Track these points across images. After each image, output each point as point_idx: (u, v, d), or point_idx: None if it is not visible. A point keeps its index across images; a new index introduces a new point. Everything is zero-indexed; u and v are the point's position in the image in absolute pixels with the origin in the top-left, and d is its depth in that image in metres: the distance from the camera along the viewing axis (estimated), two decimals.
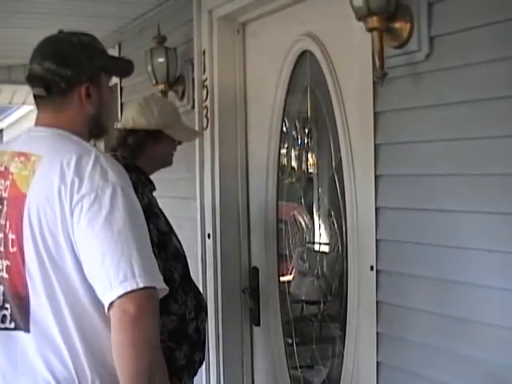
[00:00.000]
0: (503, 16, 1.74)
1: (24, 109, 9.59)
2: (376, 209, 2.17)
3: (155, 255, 1.62)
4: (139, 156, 2.44)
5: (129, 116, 2.48)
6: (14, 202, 1.64)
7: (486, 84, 1.82)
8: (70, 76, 1.70)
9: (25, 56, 1.82)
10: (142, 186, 2.32)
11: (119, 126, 2.49)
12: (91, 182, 1.57)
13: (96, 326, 1.61)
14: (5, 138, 12.07)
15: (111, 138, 2.52)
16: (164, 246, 2.28)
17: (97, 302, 1.58)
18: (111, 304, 1.51)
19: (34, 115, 1.84)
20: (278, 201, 3.03)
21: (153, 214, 2.29)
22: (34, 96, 1.76)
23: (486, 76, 1.82)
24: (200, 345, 2.41)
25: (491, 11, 1.78)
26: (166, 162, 2.57)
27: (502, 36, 1.76)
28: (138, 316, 1.49)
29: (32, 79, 1.74)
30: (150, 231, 1.65)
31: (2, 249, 1.66)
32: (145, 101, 2.55)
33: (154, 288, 1.54)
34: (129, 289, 1.49)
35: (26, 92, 6.59)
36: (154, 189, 2.45)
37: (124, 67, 1.91)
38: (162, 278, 1.58)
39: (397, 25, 1.99)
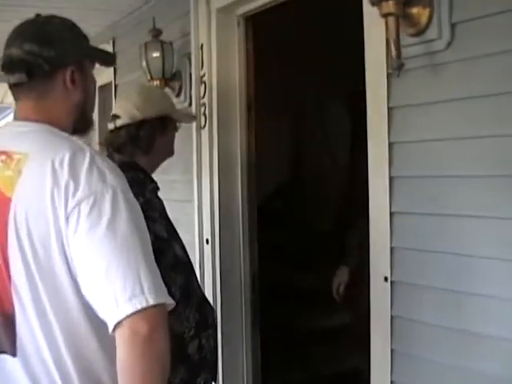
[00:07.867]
0: None
1: None
2: (390, 214, 2.10)
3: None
4: (150, 150, 2.32)
5: (131, 109, 2.34)
6: None
7: None
8: (53, 57, 1.58)
9: None
10: (139, 186, 2.16)
11: (122, 122, 2.34)
12: (88, 185, 1.43)
13: (91, 348, 1.48)
14: None
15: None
16: (161, 254, 2.12)
17: (93, 321, 1.45)
18: (118, 323, 1.38)
19: None
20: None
21: (147, 217, 2.14)
22: (12, 86, 1.62)
23: None
24: (205, 365, 2.25)
25: None
26: (171, 150, 2.46)
27: None
28: (150, 336, 1.37)
29: (10, 65, 1.60)
30: None
31: None
32: (141, 90, 2.46)
33: (164, 303, 1.42)
34: (139, 307, 1.37)
35: None
36: (157, 188, 2.34)
37: (107, 55, 1.80)
38: (166, 290, 1.45)
39: (414, 10, 1.92)
